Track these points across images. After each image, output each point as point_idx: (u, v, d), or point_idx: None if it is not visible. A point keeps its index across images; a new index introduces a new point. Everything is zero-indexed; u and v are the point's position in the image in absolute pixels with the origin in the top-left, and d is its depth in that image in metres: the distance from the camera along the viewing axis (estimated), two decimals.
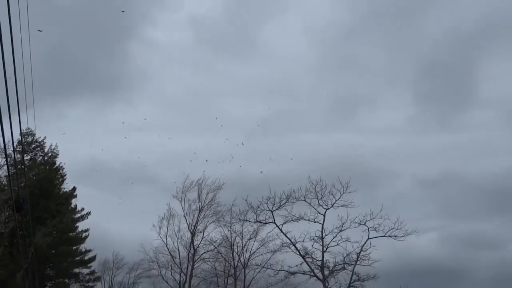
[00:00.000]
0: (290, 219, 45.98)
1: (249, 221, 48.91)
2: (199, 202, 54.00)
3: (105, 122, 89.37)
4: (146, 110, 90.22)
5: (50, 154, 51.81)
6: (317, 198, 45.50)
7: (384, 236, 43.91)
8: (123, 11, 64.34)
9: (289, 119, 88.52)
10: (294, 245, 45.82)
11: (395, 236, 43.58)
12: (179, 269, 53.89)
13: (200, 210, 53.76)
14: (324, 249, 44.64)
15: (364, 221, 44.05)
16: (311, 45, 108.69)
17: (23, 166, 42.52)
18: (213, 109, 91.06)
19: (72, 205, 53.25)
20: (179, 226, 54.43)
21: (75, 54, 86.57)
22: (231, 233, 52.62)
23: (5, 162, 37.72)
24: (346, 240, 44.52)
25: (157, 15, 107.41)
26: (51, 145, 51.89)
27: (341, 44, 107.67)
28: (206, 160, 59.94)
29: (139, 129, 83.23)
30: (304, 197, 45.73)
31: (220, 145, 74.33)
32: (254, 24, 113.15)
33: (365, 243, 44.21)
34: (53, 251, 49.22)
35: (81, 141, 63.00)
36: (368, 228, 44.24)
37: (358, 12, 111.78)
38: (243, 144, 55.78)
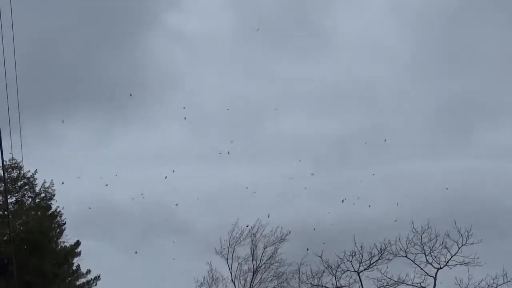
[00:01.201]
0: (385, 284, 45.52)
1: (326, 287, 48.04)
2: (253, 261, 53.41)
3: (115, 148, 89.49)
4: (170, 130, 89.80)
5: (43, 194, 51.71)
6: (425, 253, 44.94)
7: None
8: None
9: (376, 140, 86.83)
10: None
11: None
12: None
13: (255, 272, 53.17)
14: None
15: (495, 285, 42.85)
16: (402, 34, 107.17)
17: (6, 213, 43.23)
18: (267, 126, 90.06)
19: (74, 266, 53.54)
20: None
21: (74, 55, 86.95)
22: None
23: None
24: None
25: None
26: (44, 182, 51.75)
27: (446, 32, 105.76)
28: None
29: (163, 157, 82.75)
30: (405, 251, 45.25)
31: (279, 178, 73.32)
32: (321, 6, 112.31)
33: None
34: None
35: (84, 174, 62.99)
36: None
37: None
38: (312, 174, 54.63)
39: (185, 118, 63.03)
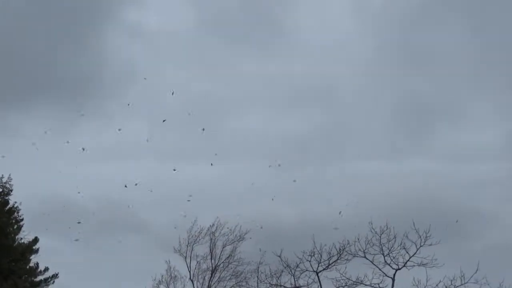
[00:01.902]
0: (344, 284, 45.05)
1: (285, 287, 47.71)
2: (211, 259, 53.12)
3: (72, 143, 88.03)
4: (130, 128, 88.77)
5: (0, 190, 51.80)
6: (383, 254, 44.39)
7: None
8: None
9: (336, 139, 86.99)
10: None
11: None
12: None
13: (214, 271, 52.87)
14: None
15: (452, 287, 42.42)
16: (363, 34, 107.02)
17: None
18: (227, 124, 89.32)
19: (32, 263, 53.12)
20: None
21: (30, 48, 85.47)
22: None
23: None
24: None
25: None
26: (1, 177, 51.98)
27: (407, 32, 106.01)
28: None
29: (123, 154, 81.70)
30: (364, 252, 44.74)
31: (238, 176, 73.07)
32: (283, 3, 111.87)
33: None
34: None
35: (42, 170, 62.27)
36: None
37: None
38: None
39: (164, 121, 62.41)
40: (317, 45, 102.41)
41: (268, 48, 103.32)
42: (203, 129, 59.48)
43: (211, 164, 60.07)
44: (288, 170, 72.94)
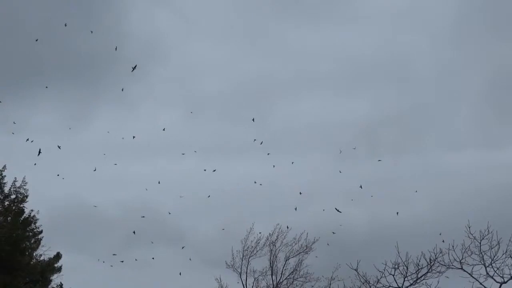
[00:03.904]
0: None
1: None
2: (272, 275, 51.50)
3: (88, 136, 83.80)
4: (156, 115, 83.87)
5: (14, 196, 49.52)
6: (484, 264, 41.25)
7: None
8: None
9: (414, 125, 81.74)
10: None
11: None
12: None
13: None
14: None
15: None
16: None
17: None
18: (278, 110, 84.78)
19: (54, 284, 51.42)
20: None
21: (36, 22, 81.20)
22: None
23: None
24: None
25: None
26: (15, 181, 49.60)
27: None
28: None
29: (147, 148, 77.22)
30: (461, 262, 41.71)
31: (296, 173, 68.69)
32: None
33: None
34: None
35: (53, 169, 59.34)
36: None
37: None
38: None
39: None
40: (389, 12, 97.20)
41: (328, 17, 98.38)
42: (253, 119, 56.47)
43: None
44: (352, 164, 68.86)
